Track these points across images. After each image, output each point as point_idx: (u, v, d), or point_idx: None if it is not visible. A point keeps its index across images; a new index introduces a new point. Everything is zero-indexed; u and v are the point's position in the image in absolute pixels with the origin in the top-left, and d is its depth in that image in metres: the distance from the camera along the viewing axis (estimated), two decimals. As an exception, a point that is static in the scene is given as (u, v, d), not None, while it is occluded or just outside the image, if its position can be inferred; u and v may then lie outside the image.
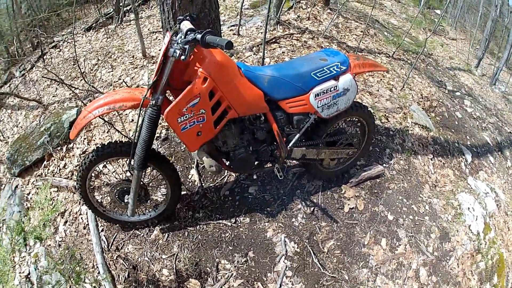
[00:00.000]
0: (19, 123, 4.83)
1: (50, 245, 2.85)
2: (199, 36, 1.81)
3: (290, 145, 2.52)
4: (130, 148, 2.28)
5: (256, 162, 2.59)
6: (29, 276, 2.84)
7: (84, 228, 2.87)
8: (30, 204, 3.31)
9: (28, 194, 3.42)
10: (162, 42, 5.05)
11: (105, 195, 2.96)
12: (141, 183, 2.46)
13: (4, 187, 3.82)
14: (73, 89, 3.75)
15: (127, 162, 2.34)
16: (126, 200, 2.50)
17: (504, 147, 5.13)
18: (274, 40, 4.77)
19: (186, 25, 2.09)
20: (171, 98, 2.28)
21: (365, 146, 3.09)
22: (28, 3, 8.03)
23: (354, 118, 2.93)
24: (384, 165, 3.36)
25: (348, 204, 2.99)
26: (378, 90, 4.30)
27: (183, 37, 1.93)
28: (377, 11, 8.64)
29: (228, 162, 2.51)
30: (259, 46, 4.43)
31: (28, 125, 4.53)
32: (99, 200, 2.74)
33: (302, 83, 2.35)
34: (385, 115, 3.93)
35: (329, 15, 6.04)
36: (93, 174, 2.47)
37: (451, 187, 3.53)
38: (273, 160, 2.62)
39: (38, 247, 2.89)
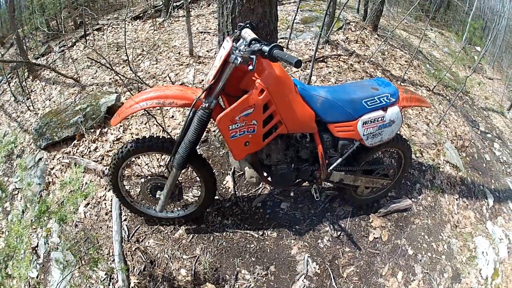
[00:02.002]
0: (52, 97, 4.88)
1: (66, 223, 2.83)
2: (266, 48, 1.83)
3: (330, 168, 2.53)
4: (172, 145, 2.29)
5: (295, 180, 2.60)
6: (36, 248, 2.86)
7: (106, 214, 2.90)
8: (52, 179, 3.34)
9: (52, 169, 3.44)
10: (213, 46, 5.11)
11: (135, 186, 2.98)
12: (177, 181, 2.48)
13: (26, 156, 3.85)
14: (118, 75, 3.79)
15: (166, 158, 2.36)
16: (157, 196, 2.51)
17: None
18: (322, 59, 4.79)
19: (248, 33, 2.12)
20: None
21: (399, 179, 3.10)
22: None
23: (393, 150, 2.94)
24: (413, 199, 3.34)
25: (373, 234, 2.99)
26: (416, 124, 4.29)
27: (247, 45, 1.96)
28: (421, 42, 8.59)
29: (269, 175, 2.53)
30: (307, 63, 4.45)
31: (62, 101, 4.58)
32: (128, 190, 2.74)
33: (353, 109, 2.38)
34: (420, 149, 3.91)
35: (376, 41, 6.06)
36: (127, 163, 2.47)
37: (470, 229, 3.50)
38: (312, 180, 2.63)
39: (52, 222, 2.89)
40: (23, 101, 5.12)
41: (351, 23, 6.33)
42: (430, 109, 4.83)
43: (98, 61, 4.48)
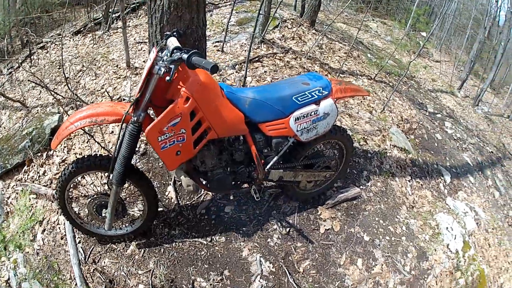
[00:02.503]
0: (3, 123, 4.74)
1: (28, 252, 2.82)
2: (185, 56, 1.82)
3: (267, 167, 2.53)
4: (110, 163, 2.27)
5: (233, 183, 2.59)
6: (8, 281, 2.80)
7: (62, 239, 2.84)
8: (10, 209, 3.25)
9: (8, 198, 3.34)
10: (147, 57, 5.07)
11: (83, 206, 2.93)
12: (119, 198, 2.45)
13: None
14: (55, 95, 3.71)
15: (106, 176, 2.33)
16: (103, 214, 2.49)
17: (485, 167, 5.23)
18: (257, 59, 4.80)
19: (172, 42, 2.10)
20: (151, 113, 2.28)
21: (343, 169, 3.14)
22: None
23: (332, 141, 2.97)
24: (361, 187, 3.40)
25: (324, 225, 3.01)
26: (358, 113, 4.36)
27: (169, 55, 1.94)
28: (362, 33, 8.75)
29: (206, 181, 2.51)
30: (242, 64, 4.45)
31: (11, 126, 4.45)
32: (77, 212, 2.73)
33: (283, 106, 2.38)
34: (364, 137, 3.98)
35: (314, 36, 6.13)
36: (72, 185, 2.46)
37: (428, 208, 3.58)
38: (250, 181, 2.63)
39: (17, 253, 2.84)
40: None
41: (287, 21, 6.40)
42: (373, 97, 4.93)
43: (37, 83, 4.35)
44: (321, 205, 3.15)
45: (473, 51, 11.37)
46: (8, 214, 3.20)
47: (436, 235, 3.32)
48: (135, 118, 2.08)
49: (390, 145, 4.10)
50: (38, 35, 7.11)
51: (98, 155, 2.37)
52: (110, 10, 6.66)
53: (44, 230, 2.94)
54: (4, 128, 4.58)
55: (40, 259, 2.76)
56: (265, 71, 4.52)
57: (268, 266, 2.69)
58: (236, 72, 4.44)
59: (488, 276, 3.33)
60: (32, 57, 6.29)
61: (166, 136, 2.09)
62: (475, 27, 14.79)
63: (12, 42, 6.73)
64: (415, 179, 3.89)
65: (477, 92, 9.34)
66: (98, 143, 3.29)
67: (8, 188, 3.42)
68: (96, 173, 2.71)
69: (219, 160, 2.44)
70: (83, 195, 2.98)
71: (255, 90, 2.39)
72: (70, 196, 2.58)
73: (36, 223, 2.97)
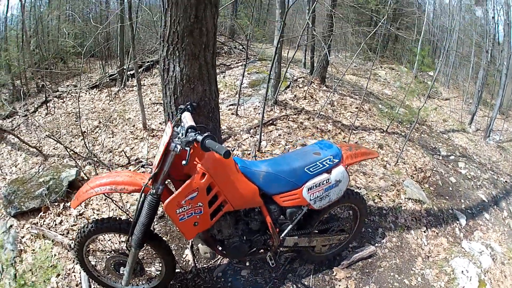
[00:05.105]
0: (18, 163, 4.89)
1: None
2: (199, 137, 1.93)
3: (283, 235, 2.60)
4: (129, 226, 2.36)
5: (249, 250, 2.65)
6: None
7: (77, 286, 2.89)
8: (23, 247, 3.34)
9: (23, 237, 3.44)
10: (163, 125, 5.18)
11: (101, 260, 2.99)
12: (137, 259, 2.53)
13: None
14: (71, 153, 3.84)
15: (126, 238, 2.41)
16: (121, 272, 2.55)
17: (499, 199, 5.16)
18: (271, 121, 4.89)
19: (187, 118, 2.23)
20: (171, 186, 2.39)
21: (357, 230, 3.18)
22: (38, 40, 8.15)
23: (346, 204, 3.03)
24: (376, 244, 3.41)
25: (339, 286, 3.00)
26: (371, 169, 4.41)
27: (183, 134, 2.05)
28: (371, 82, 8.85)
29: (223, 249, 2.58)
30: (256, 128, 4.53)
31: (27, 169, 4.60)
32: (94, 265, 2.79)
33: (296, 178, 2.47)
34: (378, 194, 4.02)
35: (324, 93, 6.26)
36: (90, 241, 2.54)
37: (444, 255, 3.55)
38: (266, 248, 2.69)
39: None
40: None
41: (298, 80, 6.56)
42: (386, 150, 4.98)
43: (55, 139, 4.51)
44: (336, 266, 3.15)
45: (479, 79, 11.31)
46: (21, 252, 3.29)
47: (452, 281, 3.27)
48: (154, 191, 2.19)
49: (405, 198, 4.12)
50: (53, 81, 7.30)
51: (118, 218, 2.48)
52: (125, 67, 6.84)
53: (58, 275, 3.01)
54: (20, 169, 4.73)
55: (53, 303, 2.79)
56: (279, 134, 4.62)
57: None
58: (251, 136, 4.52)
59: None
60: (48, 104, 6.49)
61: (184, 209, 2.18)
62: (478, 52, 14.72)
63: (27, 84, 6.89)
64: (430, 228, 3.87)
65: (487, 123, 9.26)
66: (116, 204, 3.39)
67: (22, 228, 3.53)
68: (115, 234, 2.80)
69: (235, 229, 2.52)
70: (101, 250, 3.08)
71: (268, 164, 2.48)
72: (88, 251, 2.66)
73: (50, 266, 3.05)
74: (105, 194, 3.48)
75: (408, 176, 4.57)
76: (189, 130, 2.05)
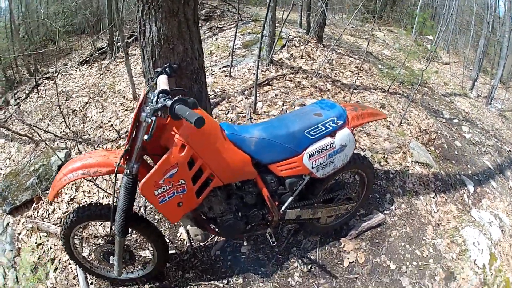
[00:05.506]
0: (12, 155, 4.62)
1: None
2: (169, 102, 1.54)
3: (283, 208, 2.22)
4: (110, 212, 2.02)
5: (246, 227, 2.29)
6: None
7: (74, 278, 2.66)
8: (21, 245, 3.15)
9: (19, 234, 3.25)
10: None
11: (90, 251, 2.68)
12: (125, 246, 2.22)
13: None
14: (60, 136, 3.52)
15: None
16: (111, 262, 2.27)
17: (504, 168, 4.91)
18: (266, 82, 4.51)
19: (161, 82, 1.83)
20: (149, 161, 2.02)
21: (365, 197, 2.81)
22: (26, 27, 7.83)
23: (352, 171, 2.65)
24: (385, 211, 3.09)
25: (348, 258, 2.70)
26: (375, 130, 4.05)
27: (154, 100, 1.66)
28: (370, 43, 8.45)
29: (216, 227, 2.22)
30: (251, 89, 4.15)
31: (20, 160, 4.33)
32: (86, 256, 2.49)
33: (294, 143, 2.07)
34: (384, 157, 3.66)
35: (322, 52, 5.84)
36: (75, 233, 2.25)
37: (454, 224, 3.27)
38: (266, 223, 2.32)
39: None
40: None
41: (294, 39, 6.11)
42: (389, 111, 4.61)
43: (36, 129, 4.17)
44: (344, 236, 2.84)
45: (480, 48, 10.91)
46: (19, 250, 3.11)
47: (463, 252, 3.01)
48: (128, 171, 1.81)
49: (412, 161, 3.77)
50: (45, 64, 6.98)
51: (98, 204, 2.14)
52: (114, 39, 6.46)
53: (56, 269, 2.78)
54: (13, 161, 4.47)
55: (53, 298, 2.61)
56: (276, 95, 4.24)
57: (289, 311, 2.37)
58: (246, 98, 4.15)
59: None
60: (38, 88, 6.14)
61: (164, 189, 1.80)
62: (478, 22, 14.25)
63: (18, 71, 6.59)
64: (439, 194, 3.56)
65: (489, 90, 8.93)
66: (99, 187, 3.08)
67: (18, 224, 3.35)
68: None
69: (228, 205, 2.14)
70: (89, 238, 2.77)
71: (261, 128, 2.07)
72: (75, 243, 2.36)
73: (48, 261, 2.82)
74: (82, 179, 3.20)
75: (413, 138, 4.21)
76: (160, 95, 1.65)
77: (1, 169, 4.45)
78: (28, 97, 6.12)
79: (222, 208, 2.11)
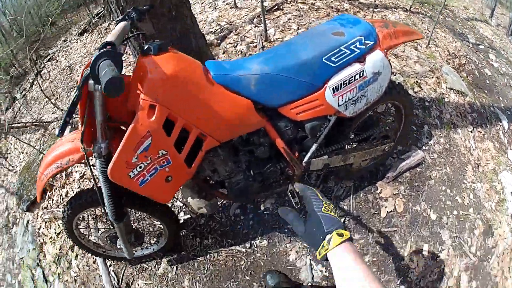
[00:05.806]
0: (24, 148, 4.26)
1: (67, 280, 2.48)
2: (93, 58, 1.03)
3: (306, 159, 1.69)
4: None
5: (262, 186, 1.77)
6: None
7: (94, 263, 2.43)
8: (43, 239, 2.90)
9: (39, 228, 2.98)
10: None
11: (98, 235, 2.34)
12: (128, 229, 1.81)
13: (18, 222, 3.40)
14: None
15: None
16: (118, 246, 1.93)
17: None
18: (276, 7, 3.85)
19: (115, 31, 1.26)
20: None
21: (402, 133, 2.23)
22: (18, 25, 7.31)
23: (386, 102, 2.06)
24: (424, 147, 2.59)
25: (385, 207, 2.28)
26: (403, 51, 3.41)
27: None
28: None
29: (226, 191, 1.72)
30: (261, 16, 3.43)
31: (32, 150, 3.95)
32: (96, 242, 2.18)
33: (311, 76, 1.48)
34: (417, 81, 3.07)
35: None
36: (77, 223, 1.94)
37: (493, 165, 2.77)
38: (286, 178, 1.80)
39: (57, 283, 2.55)
40: (2, 163, 4.49)
41: None
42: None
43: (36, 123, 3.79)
44: (380, 179, 2.38)
45: None
46: (42, 246, 2.85)
47: (502, 203, 2.56)
48: (96, 154, 1.32)
49: (446, 88, 3.17)
50: (48, 47, 6.49)
51: (89, 190, 1.76)
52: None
53: (77, 256, 2.54)
54: (27, 154, 4.10)
55: (78, 286, 2.43)
56: (288, 19, 3.60)
57: (321, 271, 2.08)
58: (255, 26, 3.54)
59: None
60: (42, 72, 5.68)
61: (140, 167, 1.33)
62: None
63: (21, 65, 6.20)
64: (476, 128, 3.02)
65: (508, 22, 7.97)
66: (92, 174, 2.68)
67: (37, 218, 3.05)
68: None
69: (236, 163, 1.62)
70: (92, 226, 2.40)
71: (262, 60, 1.49)
72: (82, 232, 2.08)
73: (68, 249, 2.59)
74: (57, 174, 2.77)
75: (444, 61, 3.58)
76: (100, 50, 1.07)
77: (16, 166, 4.12)
78: (33, 85, 5.67)
79: (228, 169, 1.60)
